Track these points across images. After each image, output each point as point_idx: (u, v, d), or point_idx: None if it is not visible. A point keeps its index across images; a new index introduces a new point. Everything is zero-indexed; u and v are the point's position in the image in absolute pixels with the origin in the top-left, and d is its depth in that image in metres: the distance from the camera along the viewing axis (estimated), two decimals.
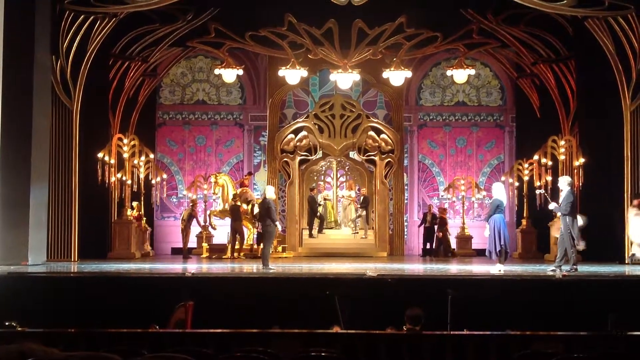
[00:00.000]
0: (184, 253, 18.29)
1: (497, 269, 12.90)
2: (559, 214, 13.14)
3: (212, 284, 11.98)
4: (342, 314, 9.34)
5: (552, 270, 12.54)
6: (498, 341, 7.05)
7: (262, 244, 14.31)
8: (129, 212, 17.78)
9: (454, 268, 15.44)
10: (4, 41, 14.17)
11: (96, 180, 17.18)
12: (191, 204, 18.98)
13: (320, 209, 20.09)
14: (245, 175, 19.65)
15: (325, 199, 20.25)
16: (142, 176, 18.63)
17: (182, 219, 18.74)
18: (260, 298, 11.23)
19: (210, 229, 19.15)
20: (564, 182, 13.04)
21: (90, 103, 16.75)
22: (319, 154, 20.23)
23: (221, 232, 18.88)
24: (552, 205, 13.23)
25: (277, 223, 13.52)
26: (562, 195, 12.96)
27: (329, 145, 19.81)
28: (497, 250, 12.85)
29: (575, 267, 12.65)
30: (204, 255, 18.43)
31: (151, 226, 19.85)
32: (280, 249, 18.55)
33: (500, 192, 13.24)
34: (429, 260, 18.71)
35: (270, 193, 13.96)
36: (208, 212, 19.40)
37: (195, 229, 19.17)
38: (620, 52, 15.68)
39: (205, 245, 18.78)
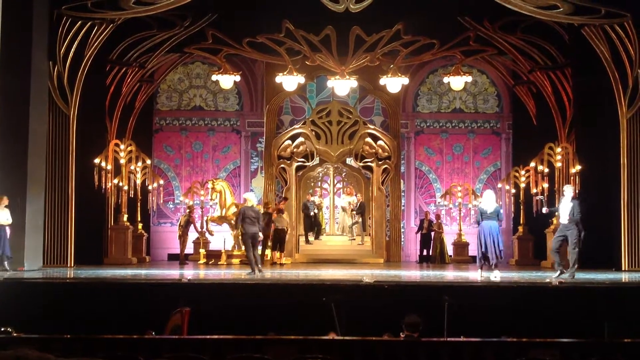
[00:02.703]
0: (180, 259, 18.27)
1: (494, 275, 12.91)
2: (565, 221, 13.01)
3: (208, 290, 11.96)
4: (338, 320, 9.33)
5: (562, 278, 12.53)
6: (495, 348, 7.04)
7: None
8: None
9: (450, 275, 15.44)
10: (1, 46, 14.19)
11: (93, 185, 17.16)
12: (188, 210, 18.97)
13: (319, 215, 20.11)
14: (282, 201, 19.04)
15: (316, 206, 20.18)
16: (138, 182, 18.61)
17: (180, 225, 18.72)
18: (257, 304, 11.21)
19: (207, 235, 19.14)
20: (571, 191, 13.09)
21: (87, 109, 16.73)
22: (316, 161, 20.24)
23: (218, 238, 18.87)
24: (545, 210, 13.30)
25: (249, 228, 13.81)
26: (570, 204, 12.90)
27: (326, 151, 19.82)
28: (479, 256, 12.90)
29: (573, 274, 12.69)
30: (201, 262, 18.41)
31: (147, 232, 19.81)
32: (277, 255, 18.53)
33: (484, 199, 13.35)
34: (425, 266, 18.70)
35: (248, 201, 14.23)
36: (205, 218, 19.39)
37: (192, 235, 19.16)
38: (616, 60, 15.73)
39: (202, 251, 18.77)
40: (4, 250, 13.81)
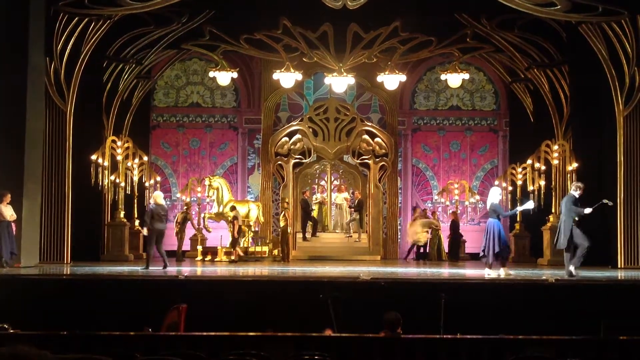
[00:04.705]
0: (177, 256, 18.27)
1: (486, 273, 12.92)
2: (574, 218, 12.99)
3: (205, 287, 11.97)
4: (335, 317, 9.35)
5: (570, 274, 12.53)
6: (491, 345, 7.06)
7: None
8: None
9: (447, 272, 15.46)
10: None
11: (89, 182, 17.14)
12: (185, 207, 18.97)
13: (314, 212, 20.13)
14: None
15: (321, 203, 20.28)
16: (135, 179, 18.60)
17: (177, 222, 18.72)
18: (254, 301, 11.22)
19: (204, 231, 19.14)
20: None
21: (84, 105, 16.72)
22: (313, 157, 20.24)
23: (215, 235, 18.86)
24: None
25: (158, 225, 14.24)
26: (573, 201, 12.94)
27: (323, 148, 19.81)
28: (484, 253, 12.86)
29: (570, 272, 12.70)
30: (198, 258, 18.41)
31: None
32: (276, 252, 18.56)
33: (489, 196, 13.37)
34: (422, 264, 18.72)
35: (157, 199, 14.57)
36: (202, 215, 19.39)
37: (189, 232, 19.15)
38: (613, 58, 15.74)
39: (199, 248, 18.76)
40: (12, 247, 13.83)
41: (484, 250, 12.96)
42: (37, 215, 15.19)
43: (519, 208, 14.44)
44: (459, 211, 20.52)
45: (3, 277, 12.18)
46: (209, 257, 18.19)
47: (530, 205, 14.10)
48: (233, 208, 18.21)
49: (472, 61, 20.96)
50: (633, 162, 15.84)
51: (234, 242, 17.73)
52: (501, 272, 12.96)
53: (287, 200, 18.86)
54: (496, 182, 20.41)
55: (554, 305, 11.26)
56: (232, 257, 17.47)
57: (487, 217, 21.28)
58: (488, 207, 13.19)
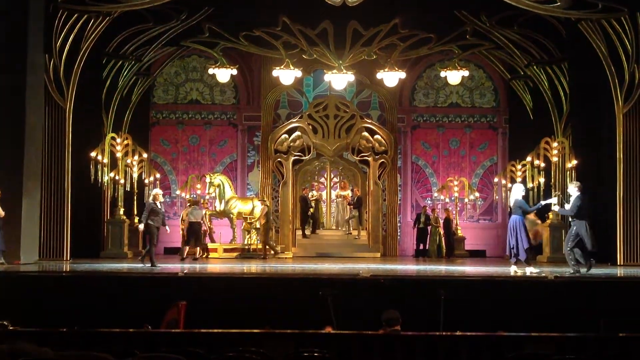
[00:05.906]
0: (180, 252, 18.25)
1: (528, 270, 12.69)
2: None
3: (205, 284, 11.97)
4: (335, 314, 9.36)
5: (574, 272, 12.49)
6: (491, 342, 7.06)
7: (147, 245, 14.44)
8: None
9: (446, 269, 15.46)
10: None
11: (89, 179, 17.15)
12: (189, 204, 18.94)
13: (312, 209, 20.13)
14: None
15: (316, 200, 20.25)
16: (135, 175, 18.60)
17: (182, 219, 18.73)
18: (253, 298, 11.23)
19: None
20: (573, 188, 13.04)
21: (83, 102, 16.71)
22: (313, 155, 20.23)
23: (217, 232, 18.88)
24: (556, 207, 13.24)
25: (151, 222, 14.13)
26: (571, 199, 12.90)
27: (323, 145, 19.81)
28: (525, 249, 12.73)
29: (577, 270, 12.58)
30: (198, 255, 18.37)
31: None
32: (278, 248, 18.57)
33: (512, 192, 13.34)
34: (422, 261, 18.73)
35: (160, 197, 14.58)
36: (204, 212, 19.35)
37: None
38: (613, 55, 15.75)
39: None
40: (1, 244, 13.81)
41: (513, 249, 12.80)
42: (36, 212, 15.20)
43: (543, 202, 14.37)
44: (458, 208, 20.53)
45: (3, 274, 12.18)
46: (204, 255, 18.19)
47: (554, 200, 14.05)
48: (193, 203, 18.08)
49: (471, 58, 20.95)
50: (632, 159, 15.85)
51: (184, 241, 17.43)
52: (512, 269, 12.92)
53: (265, 199, 18.79)
54: (495, 180, 20.42)
55: (554, 302, 11.28)
56: (182, 256, 17.15)
57: (487, 215, 21.49)
58: (512, 203, 13.16)
